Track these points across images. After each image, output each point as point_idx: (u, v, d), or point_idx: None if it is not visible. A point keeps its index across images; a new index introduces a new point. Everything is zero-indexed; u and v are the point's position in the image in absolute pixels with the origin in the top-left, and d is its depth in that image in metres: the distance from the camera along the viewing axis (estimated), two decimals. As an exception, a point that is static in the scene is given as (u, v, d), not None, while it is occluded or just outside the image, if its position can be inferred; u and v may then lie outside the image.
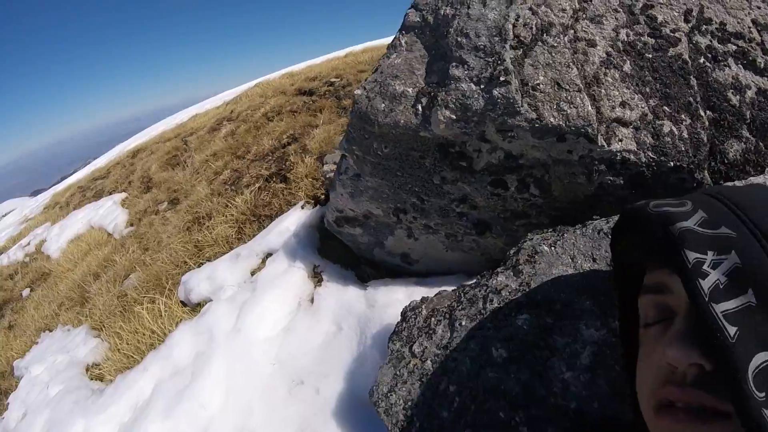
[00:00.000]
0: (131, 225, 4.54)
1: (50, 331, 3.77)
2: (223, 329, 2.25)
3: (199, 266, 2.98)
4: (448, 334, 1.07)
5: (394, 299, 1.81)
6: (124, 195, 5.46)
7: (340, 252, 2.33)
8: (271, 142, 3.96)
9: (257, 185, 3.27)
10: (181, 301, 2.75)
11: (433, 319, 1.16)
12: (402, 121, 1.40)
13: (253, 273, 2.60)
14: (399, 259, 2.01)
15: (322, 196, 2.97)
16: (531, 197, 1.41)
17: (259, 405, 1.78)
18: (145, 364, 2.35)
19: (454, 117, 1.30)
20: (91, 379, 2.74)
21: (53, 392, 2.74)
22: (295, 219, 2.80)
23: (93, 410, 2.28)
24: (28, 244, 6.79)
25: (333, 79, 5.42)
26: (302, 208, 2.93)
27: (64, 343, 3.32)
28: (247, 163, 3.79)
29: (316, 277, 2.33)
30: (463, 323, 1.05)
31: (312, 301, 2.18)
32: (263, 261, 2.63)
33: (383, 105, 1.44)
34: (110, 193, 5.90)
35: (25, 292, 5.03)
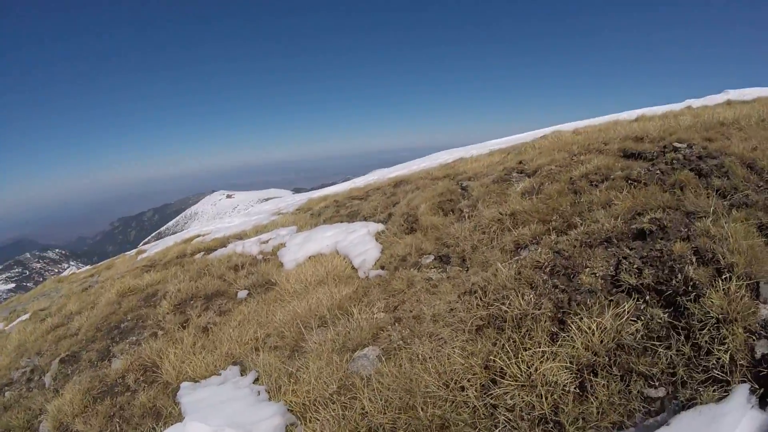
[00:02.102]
0: (382, 268, 3.90)
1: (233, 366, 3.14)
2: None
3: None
4: None
5: None
6: (381, 227, 5.01)
7: None
8: (616, 223, 2.60)
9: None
10: None
11: None
12: None
13: None
14: None
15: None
16: None
17: None
18: None
19: None
20: None
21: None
22: None
23: None
24: (267, 242, 6.71)
25: (677, 144, 3.77)
26: None
27: (235, 407, 2.59)
28: (577, 243, 2.52)
29: None
30: None
31: None
32: None
33: None
34: (365, 219, 5.66)
35: (242, 293, 4.79)
